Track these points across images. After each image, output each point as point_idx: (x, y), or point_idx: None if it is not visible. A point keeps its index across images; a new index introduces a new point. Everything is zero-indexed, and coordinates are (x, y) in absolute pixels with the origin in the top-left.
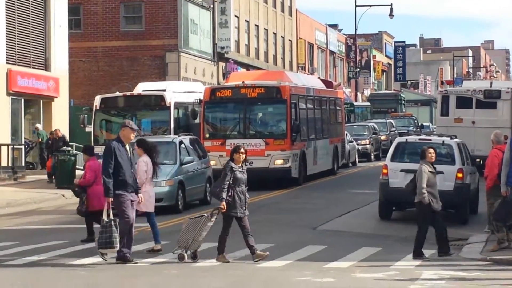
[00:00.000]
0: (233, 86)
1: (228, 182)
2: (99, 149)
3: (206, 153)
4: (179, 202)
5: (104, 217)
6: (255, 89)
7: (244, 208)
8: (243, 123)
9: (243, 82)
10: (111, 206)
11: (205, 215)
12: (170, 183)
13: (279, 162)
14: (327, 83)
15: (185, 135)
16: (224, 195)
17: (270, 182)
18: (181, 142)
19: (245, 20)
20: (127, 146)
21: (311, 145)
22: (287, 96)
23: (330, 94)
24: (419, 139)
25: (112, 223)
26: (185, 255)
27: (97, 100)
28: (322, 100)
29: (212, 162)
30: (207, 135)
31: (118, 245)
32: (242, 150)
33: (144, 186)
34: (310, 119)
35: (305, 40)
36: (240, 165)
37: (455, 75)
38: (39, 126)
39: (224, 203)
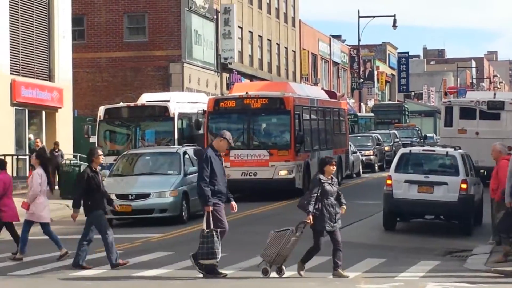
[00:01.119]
0: (237, 97)
1: (315, 195)
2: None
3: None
4: (183, 213)
5: (204, 227)
6: (259, 100)
7: (334, 221)
8: (247, 134)
9: (246, 93)
10: (210, 216)
11: (290, 228)
12: (174, 193)
13: (283, 173)
14: (331, 94)
15: (189, 145)
16: (311, 208)
17: (274, 193)
18: (185, 153)
19: (249, 31)
20: (221, 157)
21: (316, 156)
22: (291, 107)
23: (333, 105)
24: (423, 150)
25: (214, 233)
26: (269, 269)
27: (101, 110)
28: (326, 111)
29: None
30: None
31: (220, 256)
32: (334, 162)
33: (38, 198)
34: (314, 130)
35: (308, 51)
36: (329, 177)
37: (458, 86)
38: (31, 136)
39: (310, 216)
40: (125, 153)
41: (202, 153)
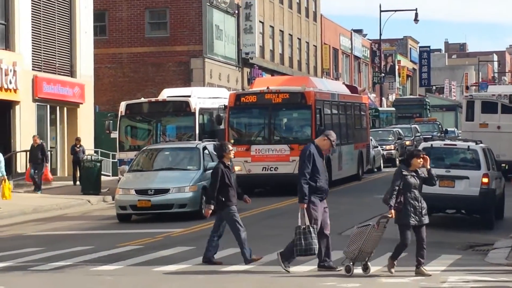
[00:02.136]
0: (258, 92)
1: (397, 188)
2: (124, 155)
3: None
4: (203, 208)
5: (299, 223)
6: (280, 95)
7: (420, 216)
8: (268, 129)
9: (267, 87)
10: (305, 212)
11: (371, 224)
12: (194, 188)
13: None
14: (352, 89)
15: (209, 141)
16: (392, 202)
17: (295, 188)
18: (204, 148)
19: (270, 26)
20: (323, 154)
21: (336, 151)
22: (312, 102)
23: (354, 99)
24: (444, 144)
25: (311, 229)
26: (352, 267)
27: (122, 106)
28: (347, 106)
29: (237, 168)
30: (232, 141)
31: (317, 252)
32: (422, 155)
33: None
34: (335, 125)
35: (329, 46)
36: (414, 169)
37: (480, 80)
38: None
39: (392, 211)
40: (144, 148)
41: (305, 149)
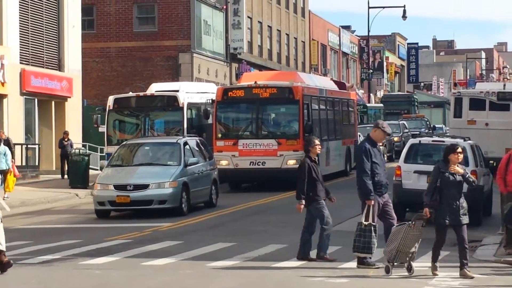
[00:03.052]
0: (246, 86)
1: (433, 186)
2: (112, 149)
3: (212, 155)
4: (183, 205)
5: (363, 220)
6: (268, 89)
7: (458, 215)
8: (256, 123)
9: (255, 82)
10: (370, 210)
11: (407, 223)
12: (174, 184)
13: (291, 162)
14: (340, 85)
15: (191, 136)
16: (427, 199)
17: (282, 183)
18: (185, 143)
19: (258, 21)
20: (379, 147)
21: (324, 146)
22: (300, 97)
23: (342, 95)
24: (432, 141)
25: (372, 228)
26: (391, 267)
27: (110, 100)
28: (335, 101)
29: (224, 162)
30: (220, 135)
31: (374, 251)
32: (459, 149)
33: None
34: (323, 120)
35: (318, 42)
36: (453, 166)
37: (468, 77)
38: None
39: (426, 209)
40: (124, 143)
41: (359, 146)
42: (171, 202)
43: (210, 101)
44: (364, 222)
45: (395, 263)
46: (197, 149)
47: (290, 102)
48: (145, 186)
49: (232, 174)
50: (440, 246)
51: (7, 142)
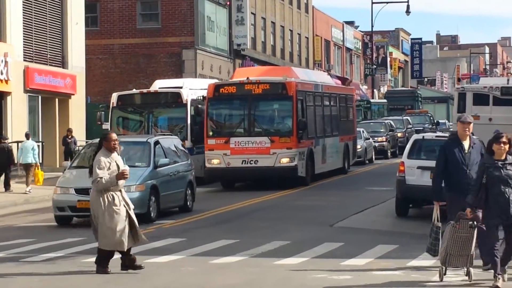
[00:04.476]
0: (238, 82)
1: (479, 182)
2: None
3: (189, 155)
4: (151, 210)
5: (434, 221)
6: (260, 85)
7: (508, 213)
8: (248, 120)
9: (247, 78)
10: (437, 210)
11: (451, 222)
12: (141, 188)
13: (285, 161)
14: (344, 80)
15: (165, 135)
16: (470, 198)
17: (276, 182)
18: (157, 143)
19: (262, 17)
20: (464, 143)
21: (320, 143)
22: (293, 93)
23: (340, 90)
24: (436, 136)
25: (437, 230)
26: (442, 271)
27: (114, 97)
28: (332, 97)
29: (216, 161)
30: (211, 133)
31: (437, 254)
32: (504, 139)
33: None
34: (319, 116)
35: (321, 37)
36: (501, 159)
37: (471, 72)
38: None
39: (468, 210)
40: (90, 142)
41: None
42: (137, 208)
43: (201, 97)
44: (435, 223)
45: (448, 267)
46: (172, 149)
47: (283, 98)
48: None
49: (224, 173)
50: (495, 248)
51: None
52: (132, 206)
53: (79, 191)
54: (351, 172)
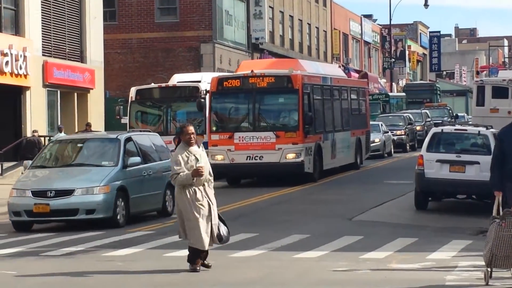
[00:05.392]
0: (242, 76)
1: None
2: None
3: (169, 154)
4: (118, 214)
5: (494, 213)
6: (265, 79)
7: None
8: (252, 115)
9: (252, 71)
10: (497, 202)
11: (496, 220)
12: (106, 189)
13: (290, 156)
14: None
15: (141, 131)
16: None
17: (281, 178)
18: (128, 140)
19: (280, 11)
20: None
21: (329, 138)
22: (299, 86)
23: (351, 83)
24: (455, 130)
25: (492, 223)
26: (487, 273)
27: (133, 91)
28: (342, 90)
29: (220, 157)
30: (214, 128)
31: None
32: None
33: None
34: (328, 110)
35: (339, 31)
36: None
37: (490, 65)
38: None
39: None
40: (54, 139)
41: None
42: (101, 212)
43: (204, 91)
44: (495, 216)
45: (493, 269)
46: (148, 146)
47: (289, 91)
48: (69, 192)
49: (228, 170)
50: None
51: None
52: (214, 202)
53: (36, 193)
54: (364, 167)
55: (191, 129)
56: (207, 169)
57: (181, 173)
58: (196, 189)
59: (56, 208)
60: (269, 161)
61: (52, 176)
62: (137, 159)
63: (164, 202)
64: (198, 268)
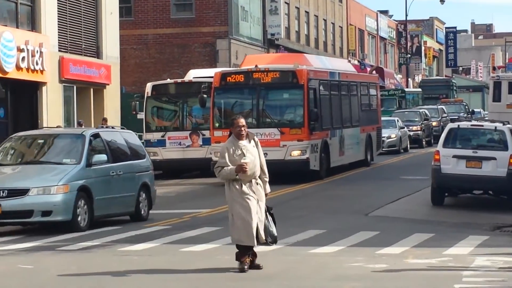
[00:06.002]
0: (245, 71)
1: None
2: (150, 136)
3: (145, 153)
4: (79, 217)
5: None
6: (269, 74)
7: None
8: (256, 111)
9: (256, 66)
10: None
11: None
12: (65, 189)
13: (295, 153)
14: (379, 70)
15: (114, 127)
16: None
17: (286, 176)
18: (95, 136)
19: (295, 7)
20: None
21: (336, 134)
22: (304, 81)
23: (361, 78)
24: (471, 125)
25: None
26: None
27: (149, 87)
28: (351, 85)
29: None
30: (217, 124)
31: None
32: None
33: None
34: (335, 106)
35: (355, 27)
36: None
37: (507, 61)
38: None
39: None
40: (13, 135)
41: None
42: (59, 214)
43: (206, 85)
44: None
45: None
46: (120, 144)
47: (294, 87)
48: (23, 192)
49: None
50: None
51: None
52: (263, 199)
53: None
54: (375, 164)
55: (242, 121)
56: (255, 165)
57: (225, 168)
58: (243, 184)
59: (8, 209)
60: (274, 158)
61: (7, 174)
62: (103, 156)
63: (138, 205)
64: (245, 267)
